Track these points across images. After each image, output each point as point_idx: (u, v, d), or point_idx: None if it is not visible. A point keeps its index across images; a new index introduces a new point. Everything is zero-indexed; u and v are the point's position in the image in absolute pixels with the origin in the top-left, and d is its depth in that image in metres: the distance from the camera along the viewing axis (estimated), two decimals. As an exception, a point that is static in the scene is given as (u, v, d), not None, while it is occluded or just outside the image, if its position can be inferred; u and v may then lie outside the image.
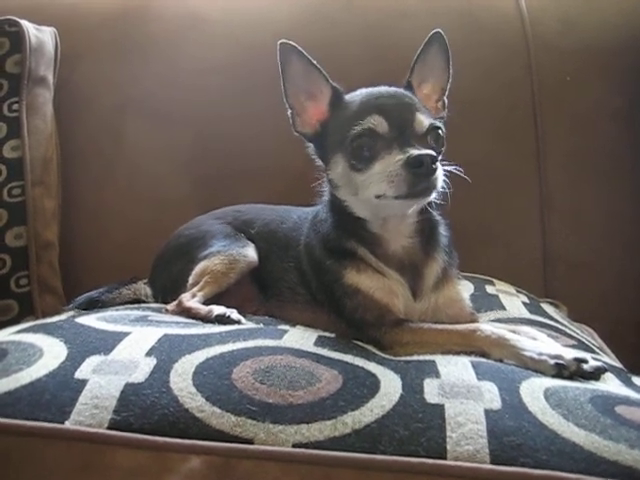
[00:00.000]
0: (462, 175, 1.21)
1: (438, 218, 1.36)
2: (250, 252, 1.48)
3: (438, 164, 1.15)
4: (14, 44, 1.93)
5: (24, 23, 1.96)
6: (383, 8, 2.24)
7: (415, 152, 1.14)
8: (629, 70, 2.13)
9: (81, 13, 2.25)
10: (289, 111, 1.34)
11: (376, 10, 2.24)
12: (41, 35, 1.99)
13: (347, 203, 1.29)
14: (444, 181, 1.18)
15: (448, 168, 1.19)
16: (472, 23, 2.20)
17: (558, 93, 2.15)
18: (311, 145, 1.36)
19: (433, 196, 1.19)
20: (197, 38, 2.22)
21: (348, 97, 1.31)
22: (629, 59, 2.13)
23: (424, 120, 1.22)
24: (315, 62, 1.30)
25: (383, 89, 1.29)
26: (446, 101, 1.38)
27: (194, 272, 1.44)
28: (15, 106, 1.92)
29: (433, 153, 1.14)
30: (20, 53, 1.93)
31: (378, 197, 1.19)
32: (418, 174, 1.13)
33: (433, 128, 1.23)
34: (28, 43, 1.93)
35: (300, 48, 1.29)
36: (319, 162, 1.36)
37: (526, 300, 1.69)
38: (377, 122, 1.20)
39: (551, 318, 1.54)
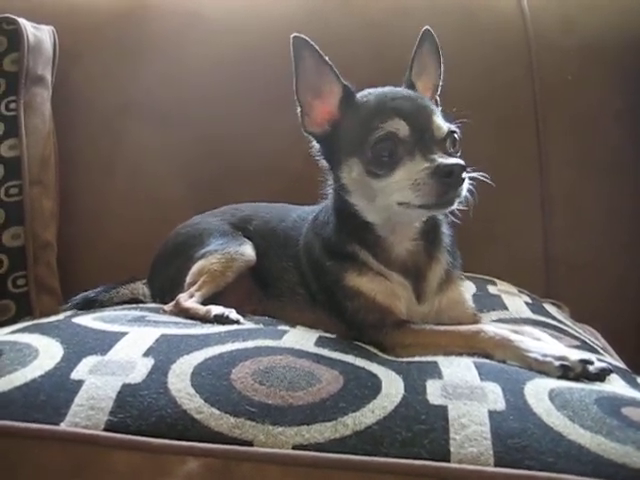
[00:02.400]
0: (487, 181, 1.19)
1: (440, 217, 1.33)
2: (248, 250, 1.46)
3: (465, 173, 1.12)
4: (12, 42, 1.91)
5: (22, 21, 1.94)
6: (382, 7, 2.22)
7: (444, 161, 1.10)
8: (631, 69, 2.12)
9: (80, 12, 2.23)
10: (299, 109, 1.27)
11: (375, 9, 2.22)
12: (39, 34, 1.98)
13: (358, 207, 1.25)
14: (469, 190, 1.15)
15: (473, 175, 1.17)
16: (473, 22, 2.19)
17: (559, 93, 2.13)
18: (317, 146, 1.31)
19: (455, 205, 1.16)
20: (197, 37, 2.21)
21: (360, 97, 1.27)
22: (631, 58, 2.12)
23: (442, 125, 1.19)
24: (327, 58, 1.24)
25: (394, 90, 1.26)
26: (438, 99, 1.36)
27: (191, 271, 1.42)
28: (13, 105, 1.90)
29: (462, 162, 1.11)
30: (18, 52, 1.91)
31: (401, 204, 1.15)
32: (447, 183, 1.10)
33: (450, 132, 1.20)
34: (26, 42, 1.91)
35: (312, 43, 1.22)
36: (324, 163, 1.32)
37: (528, 300, 1.68)
38: (399, 126, 1.16)
39: (554, 318, 1.53)
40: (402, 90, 1.27)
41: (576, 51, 2.13)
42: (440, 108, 1.33)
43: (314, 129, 1.29)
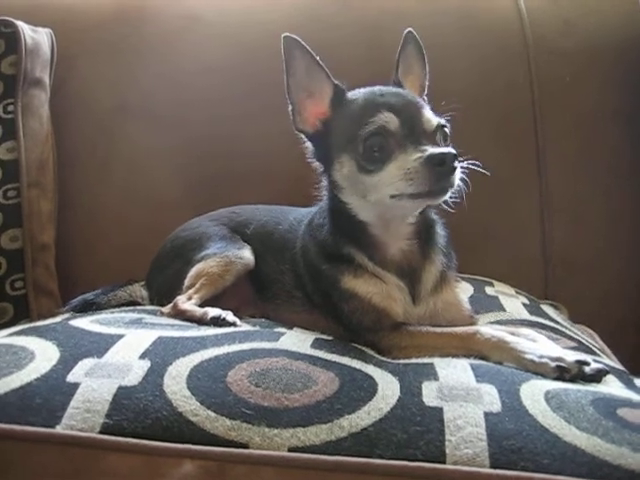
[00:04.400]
0: (481, 170, 1.18)
1: (434, 217, 1.34)
2: (246, 254, 1.46)
3: (457, 162, 1.12)
4: (10, 45, 1.92)
5: (20, 24, 1.94)
6: (381, 9, 2.23)
7: (436, 150, 1.12)
8: (629, 71, 2.12)
9: (77, 14, 2.23)
10: (290, 107, 1.29)
11: (374, 11, 2.22)
12: (37, 36, 1.98)
13: (350, 206, 1.26)
14: (461, 179, 1.15)
15: (466, 165, 1.17)
16: (471, 24, 2.20)
17: (558, 94, 2.14)
18: (309, 145, 1.32)
19: (448, 195, 1.16)
20: (194, 39, 2.21)
21: (350, 95, 1.29)
22: (629, 60, 2.12)
23: (432, 118, 1.20)
24: (317, 58, 1.27)
25: (383, 87, 1.28)
26: (426, 99, 1.37)
27: (190, 274, 1.42)
28: (11, 107, 1.91)
29: (454, 151, 1.12)
30: (16, 54, 1.92)
31: (393, 197, 1.16)
32: (440, 172, 1.11)
33: (441, 126, 1.21)
34: (24, 44, 1.92)
35: (304, 43, 1.25)
36: (316, 163, 1.33)
37: (526, 301, 1.67)
38: (389, 119, 1.17)
39: (551, 319, 1.52)
40: (390, 88, 1.29)
41: (574, 53, 2.13)
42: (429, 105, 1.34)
43: (306, 127, 1.30)
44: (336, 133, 1.26)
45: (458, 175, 1.14)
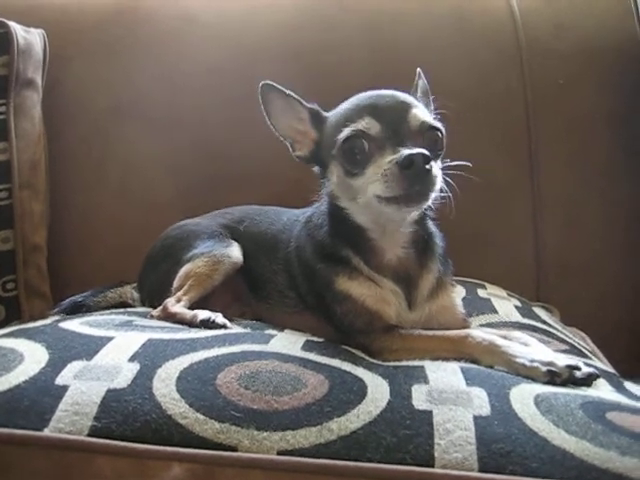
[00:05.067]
0: (465, 175, 1.16)
1: (433, 229, 1.34)
2: (234, 252, 1.46)
3: (433, 164, 1.10)
4: (2, 46, 1.90)
5: (12, 24, 1.93)
6: (380, 11, 2.23)
7: (406, 152, 1.09)
8: (623, 73, 2.13)
9: (71, 14, 2.22)
10: (287, 143, 1.34)
11: (371, 13, 2.23)
12: (29, 37, 1.97)
13: (348, 211, 1.26)
14: (444, 183, 1.13)
15: (452, 164, 1.15)
16: (465, 27, 2.20)
17: (552, 97, 2.14)
18: (316, 167, 1.35)
19: (429, 201, 1.14)
20: (189, 40, 2.20)
21: (333, 111, 1.31)
22: (623, 62, 2.13)
23: (418, 114, 1.18)
24: (290, 92, 1.32)
25: (374, 91, 1.26)
26: None
27: (178, 275, 1.42)
28: (2, 108, 1.90)
29: (425, 152, 1.08)
30: (8, 55, 1.90)
31: (377, 197, 1.14)
32: (410, 175, 1.09)
33: (430, 127, 1.19)
34: (16, 45, 1.91)
35: (277, 85, 1.31)
36: (320, 177, 1.34)
37: (518, 304, 1.67)
38: (368, 123, 1.16)
39: (543, 322, 1.53)
40: (383, 91, 1.25)
41: (568, 56, 2.14)
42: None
43: (304, 152, 1.34)
44: (324, 145, 1.29)
45: (438, 178, 1.12)
